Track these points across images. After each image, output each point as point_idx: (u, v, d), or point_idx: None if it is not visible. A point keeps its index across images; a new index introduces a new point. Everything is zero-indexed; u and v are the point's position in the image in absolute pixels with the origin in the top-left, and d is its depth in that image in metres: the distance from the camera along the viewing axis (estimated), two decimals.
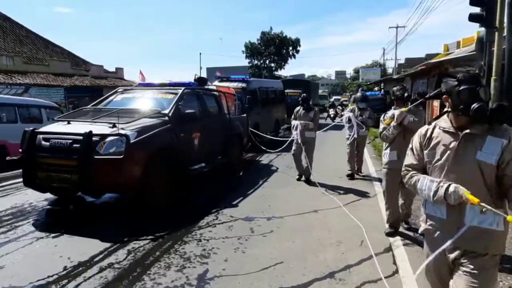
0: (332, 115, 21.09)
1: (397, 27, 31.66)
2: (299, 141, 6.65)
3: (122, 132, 4.61)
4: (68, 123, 5.09)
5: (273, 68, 37.82)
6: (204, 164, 6.28)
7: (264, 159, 9.32)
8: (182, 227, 4.42)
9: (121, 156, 4.41)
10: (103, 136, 4.56)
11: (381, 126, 4.21)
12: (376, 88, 36.01)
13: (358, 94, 7.59)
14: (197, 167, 6.06)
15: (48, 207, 5.23)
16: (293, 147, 6.85)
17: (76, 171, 4.39)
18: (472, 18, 6.35)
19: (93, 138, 4.50)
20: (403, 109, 3.97)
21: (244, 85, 10.61)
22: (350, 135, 7.26)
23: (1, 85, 18.77)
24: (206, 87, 7.35)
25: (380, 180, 6.95)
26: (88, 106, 5.84)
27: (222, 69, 24.47)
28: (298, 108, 6.80)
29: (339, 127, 17.21)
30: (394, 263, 3.55)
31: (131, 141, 4.54)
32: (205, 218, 4.79)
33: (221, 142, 7.08)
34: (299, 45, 36.60)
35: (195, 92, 6.51)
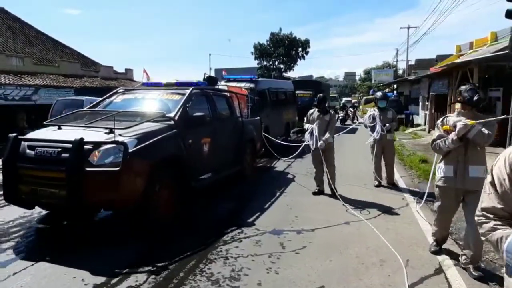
0: (342, 117, 20.20)
1: (408, 28, 30.58)
2: (313, 146, 5.79)
3: (120, 139, 3.86)
4: (59, 128, 4.35)
5: (282, 70, 36.99)
6: (215, 173, 5.51)
7: (278, 165, 8.50)
8: (204, 242, 3.94)
9: (118, 168, 3.65)
10: (97, 144, 3.81)
11: (436, 132, 3.39)
12: (386, 90, 34.95)
13: (378, 93, 6.72)
14: (207, 177, 5.29)
15: (39, 225, 4.52)
16: (311, 157, 6.03)
17: (64, 185, 3.65)
18: (509, 15, 6.34)
19: (85, 147, 3.75)
20: (469, 121, 3.08)
21: (252, 85, 9.65)
22: (374, 139, 6.41)
23: (11, 86, 18.32)
24: (216, 87, 6.56)
25: (410, 191, 6.31)
26: (85, 109, 5.11)
27: (230, 70, 23.40)
28: (312, 110, 5.97)
29: (353, 131, 16.41)
30: (450, 287, 3.06)
31: (130, 150, 3.78)
32: (228, 231, 4.28)
33: (233, 148, 6.29)
34: (309, 46, 35.76)
35: (205, 93, 5.75)
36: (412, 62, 33.24)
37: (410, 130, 16.89)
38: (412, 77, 18.40)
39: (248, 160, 6.86)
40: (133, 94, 5.51)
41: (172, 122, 4.62)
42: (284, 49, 35.53)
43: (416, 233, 4.28)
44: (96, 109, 5.28)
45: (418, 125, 17.57)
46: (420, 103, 17.91)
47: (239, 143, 6.44)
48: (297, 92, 15.53)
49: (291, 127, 13.03)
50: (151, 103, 5.21)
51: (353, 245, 3.92)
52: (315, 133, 5.70)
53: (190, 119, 4.90)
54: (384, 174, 6.71)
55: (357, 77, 55.45)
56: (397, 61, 30.94)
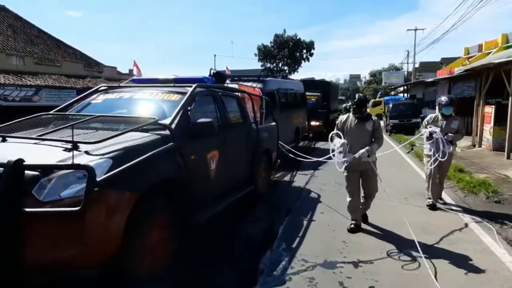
0: None
1: (416, 30, 29.05)
2: (346, 164, 4.12)
3: (84, 159, 2.42)
4: (3, 140, 2.90)
5: (286, 72, 35.50)
6: (223, 198, 4.05)
7: (295, 179, 7.03)
8: (245, 278, 3.12)
9: (78, 208, 2.21)
10: (47, 169, 2.37)
11: None
12: (392, 93, 33.39)
13: (443, 98, 5.13)
14: (214, 205, 3.82)
15: None
16: (346, 179, 4.32)
17: None
18: None
19: (28, 172, 2.32)
20: None
21: (260, 85, 8.09)
22: (429, 154, 4.95)
23: (11, 87, 17.00)
24: (229, 87, 5.05)
25: (462, 208, 5.11)
26: (51, 112, 3.65)
27: (233, 72, 21.55)
28: (345, 116, 4.36)
29: None
30: None
31: (101, 177, 2.34)
32: (267, 263, 3.38)
33: (246, 163, 4.83)
34: (313, 48, 34.21)
35: (212, 92, 4.27)
36: (417, 65, 31.71)
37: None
38: (431, 79, 16.86)
39: (263, 176, 5.41)
40: (118, 94, 4.01)
41: (167, 131, 3.17)
42: (288, 50, 34.01)
43: (491, 262, 3.44)
44: (68, 112, 3.82)
45: None
46: (437, 107, 16.39)
47: (254, 155, 4.97)
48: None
49: (301, 133, 11.51)
50: (140, 106, 3.74)
51: (431, 284, 2.99)
52: (346, 149, 4.06)
53: (193, 127, 3.45)
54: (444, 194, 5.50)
55: (362, 79, 53.60)
56: (407, 63, 29.35)
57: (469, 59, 22.96)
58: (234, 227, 4.33)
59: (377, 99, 30.09)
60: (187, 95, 3.59)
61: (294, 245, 3.78)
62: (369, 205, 4.35)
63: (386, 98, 28.64)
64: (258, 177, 5.14)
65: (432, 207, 5.05)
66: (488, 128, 10.52)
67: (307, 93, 13.62)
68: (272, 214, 4.88)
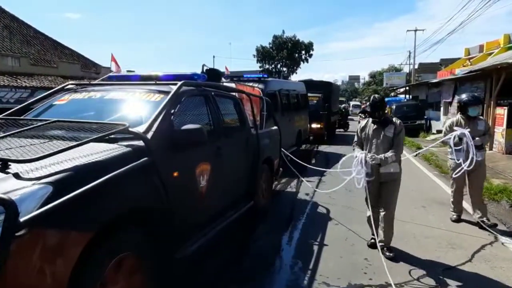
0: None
1: (415, 30, 28.26)
2: (364, 181, 3.38)
3: (8, 187, 1.64)
4: None
5: (285, 73, 34.74)
6: (215, 223, 3.23)
7: (300, 188, 6.20)
8: None
9: None
10: None
11: None
12: (392, 94, 32.58)
13: (463, 96, 4.36)
14: (203, 234, 3.00)
15: None
16: (366, 191, 3.55)
17: None
18: None
19: None
20: None
21: (261, 86, 7.35)
22: (456, 162, 4.15)
23: (5, 88, 16.25)
24: (221, 84, 4.21)
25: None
26: (1, 116, 2.83)
27: (233, 73, 20.59)
28: (365, 121, 3.64)
29: None
30: None
31: (26, 217, 1.53)
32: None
33: (245, 174, 4.02)
34: (312, 49, 33.47)
35: (203, 92, 3.44)
36: (415, 66, 30.91)
37: (432, 137, 14.60)
38: (435, 80, 16.06)
39: (264, 189, 4.61)
40: (87, 93, 3.18)
41: (140, 142, 2.36)
42: (287, 51, 33.24)
43: None
44: (24, 116, 3.00)
45: (440, 131, 15.24)
46: (442, 108, 15.58)
47: (253, 166, 4.17)
48: None
49: (303, 136, 10.70)
50: (111, 108, 2.90)
51: None
52: (369, 160, 3.31)
53: (176, 136, 2.64)
54: (466, 203, 4.63)
55: (362, 80, 52.57)
56: (409, 64, 28.50)
57: (470, 60, 22.27)
58: (238, 245, 3.74)
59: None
60: (170, 95, 2.78)
61: (311, 264, 3.29)
62: (387, 222, 3.50)
63: (386, 99, 27.82)
64: (258, 191, 4.34)
65: (457, 219, 4.41)
66: (500, 131, 9.80)
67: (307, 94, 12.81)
68: (280, 228, 4.22)
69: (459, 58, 26.26)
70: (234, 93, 4.35)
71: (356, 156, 3.40)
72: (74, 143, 2.08)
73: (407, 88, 25.25)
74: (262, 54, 34.88)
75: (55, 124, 2.47)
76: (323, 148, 11.75)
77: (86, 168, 1.98)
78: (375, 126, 3.47)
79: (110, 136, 2.30)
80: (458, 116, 4.34)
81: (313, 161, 9.46)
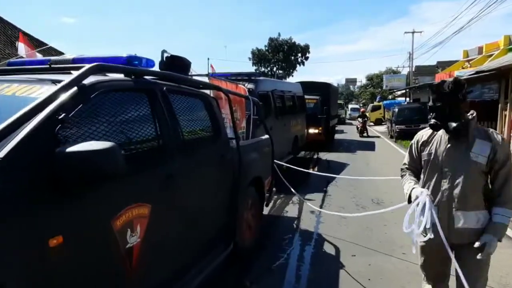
0: (360, 128, 16.57)
1: (413, 32, 27.18)
2: (429, 235, 1.76)
3: None
4: None
5: (280, 73, 33.58)
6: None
7: (299, 212, 4.85)
8: None
9: None
10: None
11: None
12: (390, 97, 31.45)
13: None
14: None
15: None
16: (421, 253, 2.00)
17: None
18: None
19: None
20: None
21: (251, 86, 6.16)
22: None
23: None
24: (187, 77, 2.82)
25: None
26: None
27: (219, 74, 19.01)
28: (423, 132, 2.03)
29: (371, 147, 12.84)
30: None
31: None
32: None
33: (220, 208, 2.70)
34: (309, 52, 32.30)
35: (143, 86, 2.07)
36: (412, 69, 29.84)
37: None
38: (437, 82, 14.83)
39: (248, 223, 3.28)
40: None
41: None
42: (283, 54, 32.06)
43: None
44: None
45: None
46: None
47: (233, 192, 2.85)
48: None
49: (300, 143, 9.32)
50: None
51: None
52: (430, 204, 1.77)
53: (60, 165, 1.34)
54: None
55: (358, 83, 51.09)
56: (410, 66, 27.31)
57: (470, 62, 21.25)
58: None
59: (376, 103, 28.12)
60: (59, 87, 1.46)
61: None
62: None
63: (385, 102, 26.69)
64: (242, 226, 3.02)
65: None
66: None
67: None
68: (285, 264, 3.10)
69: (456, 61, 25.33)
70: (206, 91, 3.03)
71: (411, 195, 1.91)
72: None
73: (406, 90, 24.06)
74: (258, 57, 33.72)
75: None
76: (322, 155, 10.47)
77: None
78: (449, 142, 1.86)
79: None
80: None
81: (315, 169, 8.27)
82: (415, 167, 2.06)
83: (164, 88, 2.25)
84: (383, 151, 11.90)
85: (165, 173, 2.00)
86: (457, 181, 1.81)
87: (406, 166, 2.11)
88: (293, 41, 32.35)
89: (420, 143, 2.03)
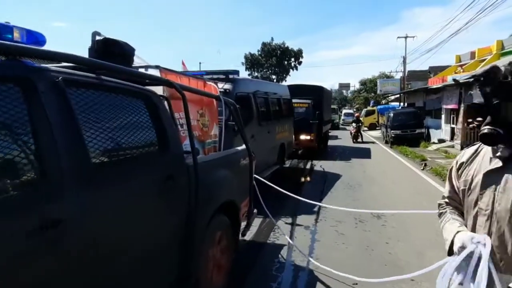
0: (354, 134, 15.82)
1: (406, 37, 26.76)
2: None
3: None
4: None
5: (267, 74, 32.95)
6: None
7: (290, 229, 4.03)
8: None
9: None
10: None
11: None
12: (383, 101, 30.94)
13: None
14: None
15: None
16: None
17: None
18: None
19: None
20: None
21: (228, 86, 5.29)
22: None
23: None
24: (112, 64, 1.97)
25: None
26: None
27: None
28: (469, 150, 1.31)
29: (366, 154, 12.06)
30: None
31: None
32: None
33: (165, 253, 1.87)
34: (302, 56, 31.74)
35: (19, 74, 1.25)
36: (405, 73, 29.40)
37: (434, 146, 12.68)
38: (438, 85, 14.20)
39: (217, 262, 2.43)
40: None
41: None
42: (276, 59, 31.45)
43: None
44: None
45: (442, 140, 13.37)
46: (444, 116, 13.70)
47: (188, 227, 2.01)
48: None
49: (287, 151, 8.25)
50: None
51: None
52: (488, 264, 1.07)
53: None
54: None
55: (352, 88, 50.73)
56: (402, 71, 26.82)
57: (463, 67, 20.86)
58: None
59: (370, 108, 27.55)
60: None
61: None
62: None
63: (379, 107, 26.13)
64: (206, 271, 2.17)
65: None
66: None
67: (295, 100, 10.29)
68: None
69: (448, 66, 25.03)
70: (151, 87, 2.18)
71: (453, 241, 1.24)
72: None
73: (400, 95, 23.51)
74: (251, 62, 33.08)
75: None
76: (315, 163, 9.67)
77: None
78: (499, 163, 1.17)
79: None
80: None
81: (307, 179, 7.48)
82: (459, 202, 1.32)
83: (59, 78, 1.40)
84: (380, 159, 11.13)
85: (38, 223, 1.15)
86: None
87: (446, 200, 1.38)
88: (286, 45, 31.79)
89: (463, 165, 1.29)
